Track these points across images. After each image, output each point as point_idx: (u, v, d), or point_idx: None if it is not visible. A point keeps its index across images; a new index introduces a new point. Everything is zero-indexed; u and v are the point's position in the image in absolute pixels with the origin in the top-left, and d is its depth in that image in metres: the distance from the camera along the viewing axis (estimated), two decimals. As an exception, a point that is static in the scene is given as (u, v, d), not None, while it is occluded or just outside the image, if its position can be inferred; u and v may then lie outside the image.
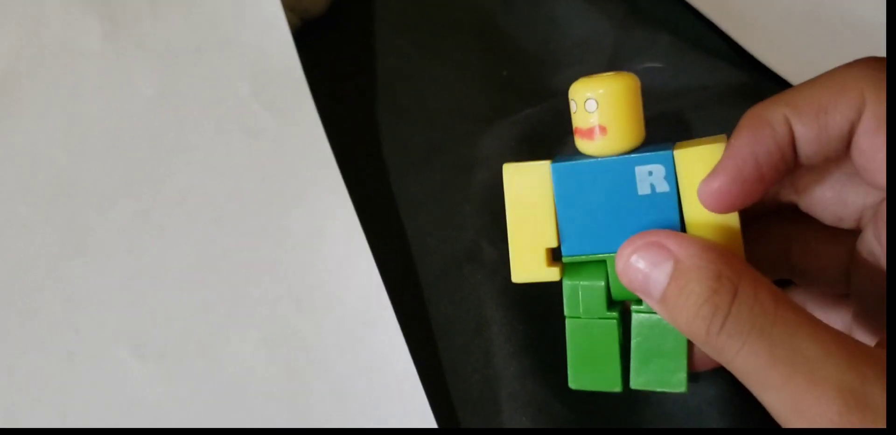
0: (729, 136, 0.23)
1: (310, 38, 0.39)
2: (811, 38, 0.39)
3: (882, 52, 0.39)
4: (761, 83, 0.37)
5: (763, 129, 0.22)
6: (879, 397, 0.18)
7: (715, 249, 0.21)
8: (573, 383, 0.24)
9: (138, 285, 0.29)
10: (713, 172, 0.22)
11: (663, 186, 0.22)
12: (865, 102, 0.21)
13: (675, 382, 0.23)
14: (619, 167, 0.22)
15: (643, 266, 0.21)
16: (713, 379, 0.27)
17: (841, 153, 0.22)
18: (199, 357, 0.28)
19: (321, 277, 0.30)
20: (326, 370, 0.27)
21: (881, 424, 0.18)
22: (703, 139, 0.23)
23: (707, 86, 0.36)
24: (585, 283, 0.23)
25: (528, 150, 0.35)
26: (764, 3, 0.41)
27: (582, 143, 0.23)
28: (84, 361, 0.27)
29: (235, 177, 0.32)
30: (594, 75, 0.23)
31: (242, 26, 0.36)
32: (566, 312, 0.24)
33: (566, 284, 0.23)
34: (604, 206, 0.23)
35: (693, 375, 0.24)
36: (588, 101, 0.22)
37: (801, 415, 0.18)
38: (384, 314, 0.28)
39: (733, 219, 0.22)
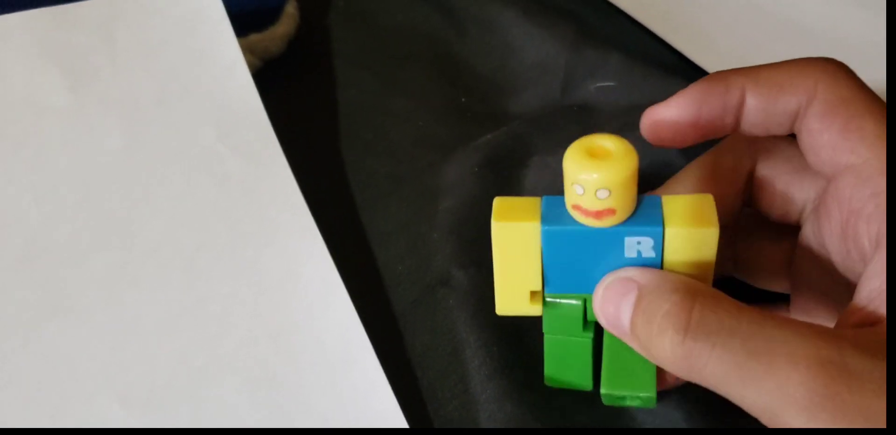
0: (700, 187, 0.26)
1: (271, 77, 0.40)
2: (758, 47, 0.40)
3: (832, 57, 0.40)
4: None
5: (718, 86, 0.24)
6: (859, 365, 0.19)
7: (675, 274, 0.22)
8: (548, 382, 0.26)
9: (119, 337, 0.30)
10: (657, 106, 0.25)
11: (650, 253, 0.23)
12: (818, 89, 0.23)
13: (644, 385, 0.24)
14: (610, 236, 0.23)
15: (613, 298, 0.23)
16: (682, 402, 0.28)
17: (782, 129, 0.24)
18: (185, 403, 0.28)
19: (298, 317, 0.30)
20: (308, 410, 0.28)
21: (865, 389, 0.18)
22: (689, 198, 0.24)
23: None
24: (565, 305, 0.25)
25: (491, 176, 0.35)
26: (709, 14, 0.42)
27: (583, 219, 0.23)
28: (72, 415, 0.28)
29: (207, 223, 0.33)
30: (592, 144, 0.22)
31: (203, 72, 0.37)
32: (545, 330, 0.25)
33: (547, 307, 0.25)
34: (589, 263, 0.24)
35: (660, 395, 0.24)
36: (600, 191, 0.22)
37: (788, 399, 0.19)
38: (363, 350, 0.29)
39: (708, 277, 0.23)
